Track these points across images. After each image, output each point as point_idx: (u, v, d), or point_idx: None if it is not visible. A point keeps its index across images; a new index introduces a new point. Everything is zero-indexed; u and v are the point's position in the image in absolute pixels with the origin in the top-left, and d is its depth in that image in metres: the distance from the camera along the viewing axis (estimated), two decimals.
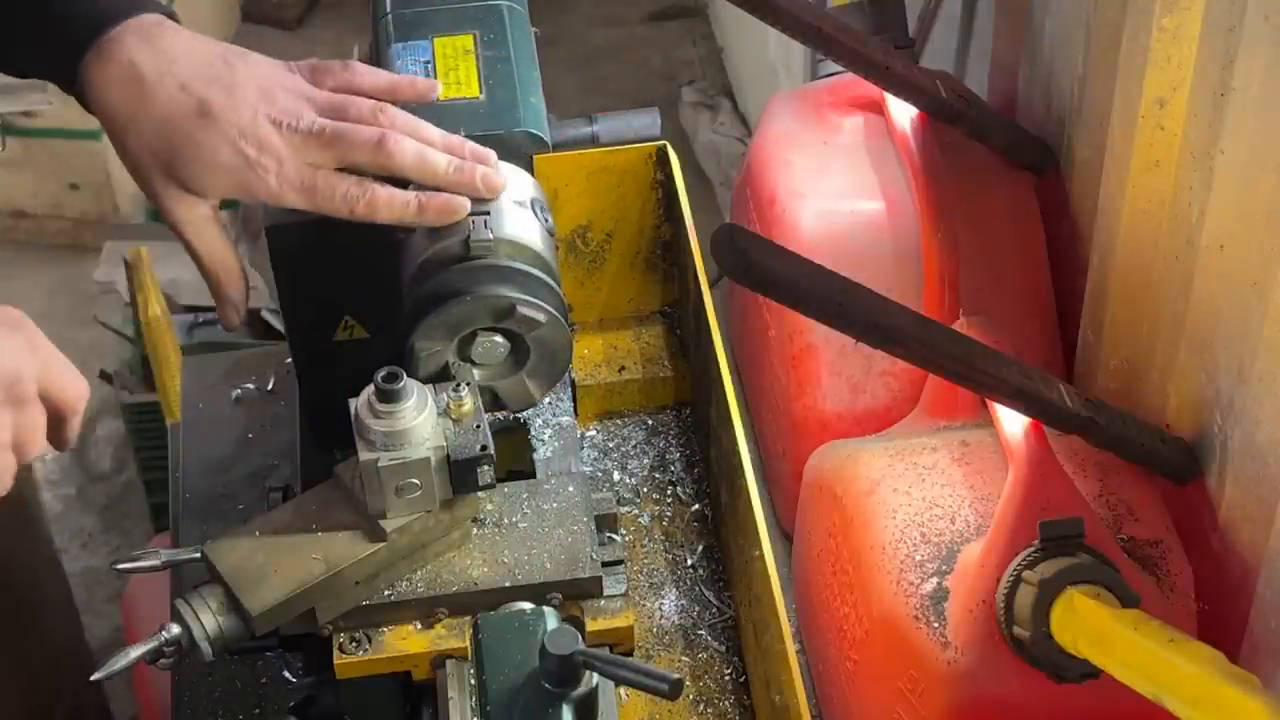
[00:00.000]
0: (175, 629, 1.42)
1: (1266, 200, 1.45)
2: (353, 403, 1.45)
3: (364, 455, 1.43)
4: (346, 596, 1.46)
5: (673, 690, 1.35)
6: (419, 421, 1.43)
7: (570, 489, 1.56)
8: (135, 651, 1.41)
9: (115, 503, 3.70)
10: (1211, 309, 1.60)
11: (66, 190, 4.20)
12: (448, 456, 1.44)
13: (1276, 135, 1.43)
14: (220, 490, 1.99)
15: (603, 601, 1.49)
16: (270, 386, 2.15)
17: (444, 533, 1.49)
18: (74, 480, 3.74)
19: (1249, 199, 1.49)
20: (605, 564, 1.51)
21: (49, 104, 4.01)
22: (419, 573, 1.49)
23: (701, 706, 1.76)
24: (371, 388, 1.43)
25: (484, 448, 1.45)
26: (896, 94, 1.99)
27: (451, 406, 1.47)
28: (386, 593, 1.48)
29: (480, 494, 1.49)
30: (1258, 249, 1.48)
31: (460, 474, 1.45)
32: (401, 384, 1.43)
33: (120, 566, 1.50)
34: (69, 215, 4.24)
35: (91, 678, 1.40)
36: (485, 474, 1.45)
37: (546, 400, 1.80)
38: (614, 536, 1.54)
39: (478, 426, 1.46)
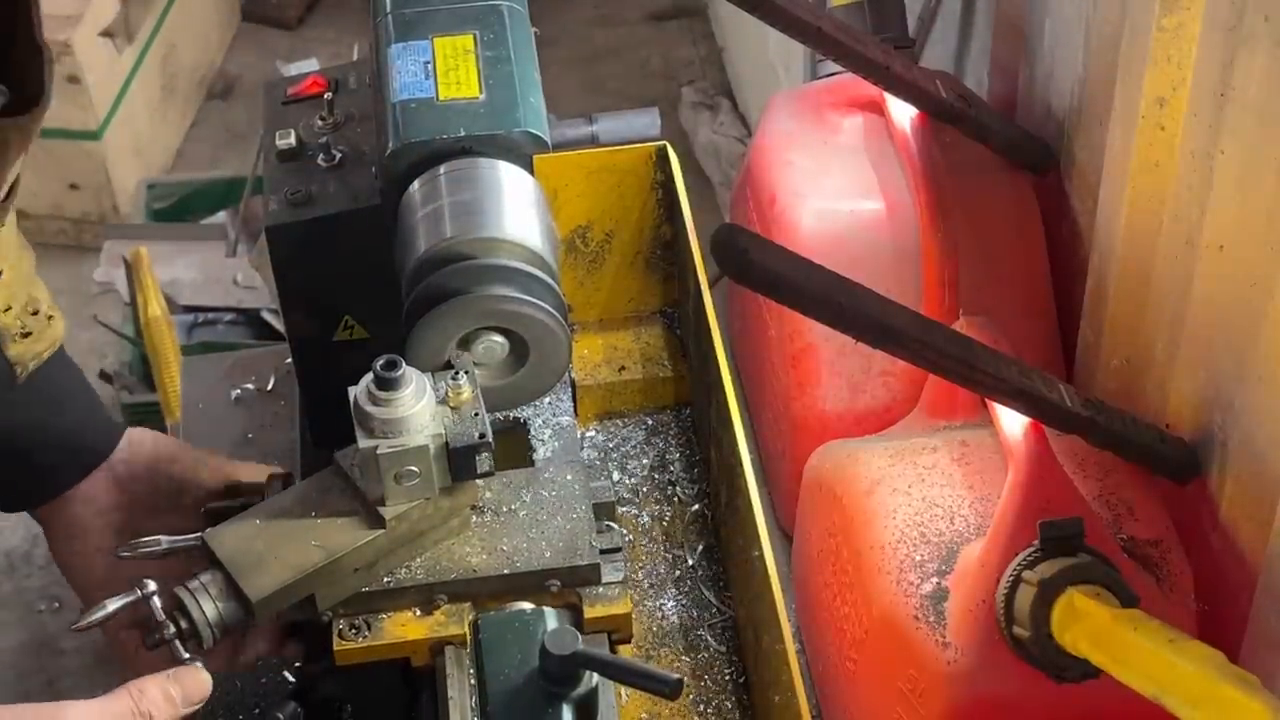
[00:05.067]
0: (151, 585, 1.43)
1: (1266, 200, 1.45)
2: (352, 390, 1.45)
3: (363, 443, 1.44)
4: (346, 583, 1.47)
5: (673, 690, 1.35)
6: (418, 409, 1.43)
7: (569, 477, 1.57)
8: (113, 604, 1.42)
9: None
10: (1211, 309, 1.60)
11: (66, 190, 4.20)
12: (446, 444, 1.44)
13: (1276, 135, 1.43)
14: None
15: (601, 589, 1.49)
16: (270, 386, 2.15)
17: (443, 520, 1.50)
18: None
19: (1249, 199, 1.49)
20: (603, 551, 1.51)
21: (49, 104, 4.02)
22: (418, 560, 1.50)
23: (701, 706, 1.76)
24: (370, 375, 1.44)
25: (482, 435, 1.45)
26: (896, 94, 1.99)
27: (450, 394, 1.47)
28: (386, 579, 1.48)
29: (479, 481, 1.49)
30: (1258, 249, 1.48)
31: (459, 461, 1.45)
32: (400, 372, 1.43)
33: (123, 554, 1.51)
34: (69, 215, 4.24)
35: (72, 627, 1.42)
36: (484, 461, 1.45)
37: (546, 400, 1.80)
38: (612, 524, 1.54)
39: (476, 414, 1.46)
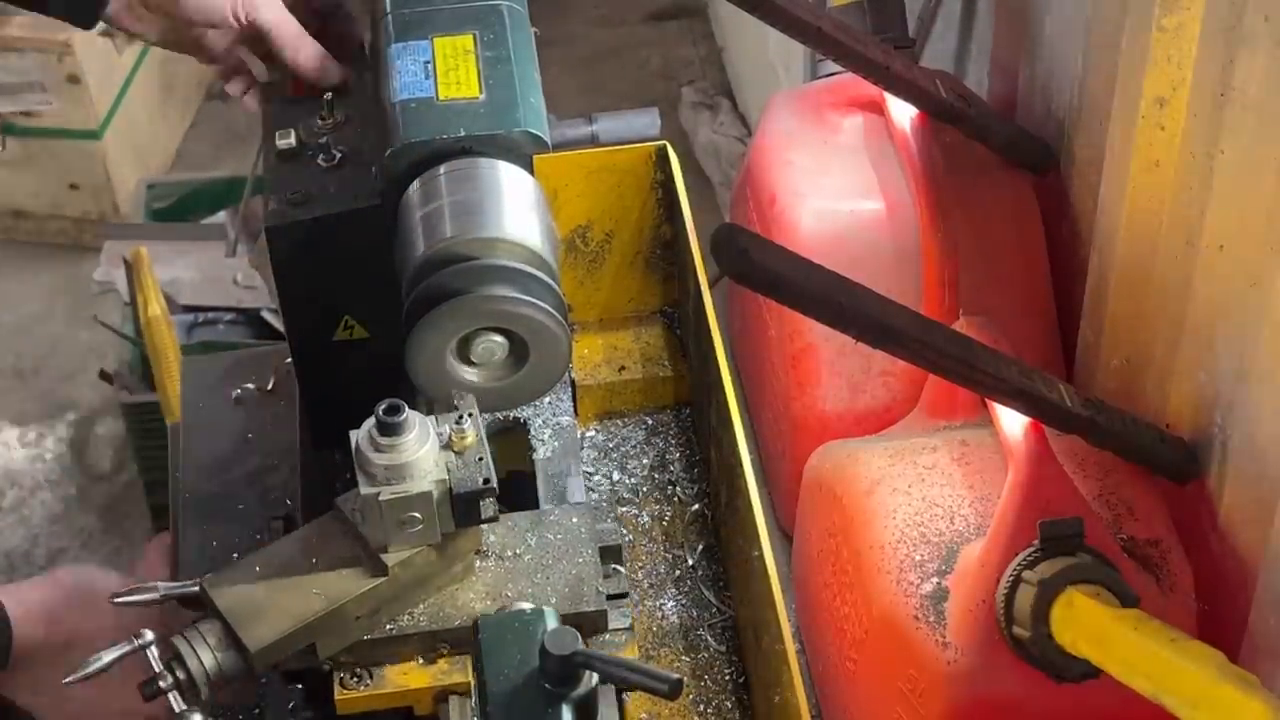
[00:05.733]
0: (148, 635, 1.39)
1: (1266, 200, 1.45)
2: (354, 435, 1.42)
3: (365, 489, 1.40)
4: (347, 631, 1.44)
5: (673, 690, 1.35)
6: (421, 455, 1.41)
7: (574, 520, 1.54)
8: (108, 656, 1.39)
9: (115, 503, 3.70)
10: (1211, 309, 1.60)
11: (66, 190, 4.19)
12: (450, 490, 1.42)
13: (1276, 135, 1.43)
14: (220, 490, 1.99)
15: (607, 635, 1.47)
16: (270, 386, 2.14)
17: (446, 566, 1.47)
18: (74, 480, 3.74)
19: (1249, 199, 1.49)
20: (610, 597, 1.49)
21: (49, 104, 4.01)
22: (421, 607, 1.47)
23: (701, 706, 1.76)
24: (372, 420, 1.41)
25: (487, 481, 1.42)
26: (896, 94, 1.99)
27: (454, 439, 1.44)
28: (389, 627, 1.46)
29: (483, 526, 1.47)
30: (1258, 249, 1.48)
31: (463, 508, 1.42)
32: (403, 416, 1.40)
33: (117, 600, 1.47)
34: (69, 215, 4.24)
35: (64, 681, 1.39)
36: (488, 507, 1.43)
37: (546, 400, 1.80)
38: (618, 568, 1.52)
39: (480, 459, 1.43)
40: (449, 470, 1.43)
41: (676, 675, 1.34)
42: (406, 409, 1.41)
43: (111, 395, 3.58)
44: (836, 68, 2.08)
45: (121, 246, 3.54)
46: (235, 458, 2.04)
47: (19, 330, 4.09)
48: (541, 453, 1.77)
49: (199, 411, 2.12)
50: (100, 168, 4.15)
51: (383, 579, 1.43)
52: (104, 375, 3.51)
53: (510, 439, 1.78)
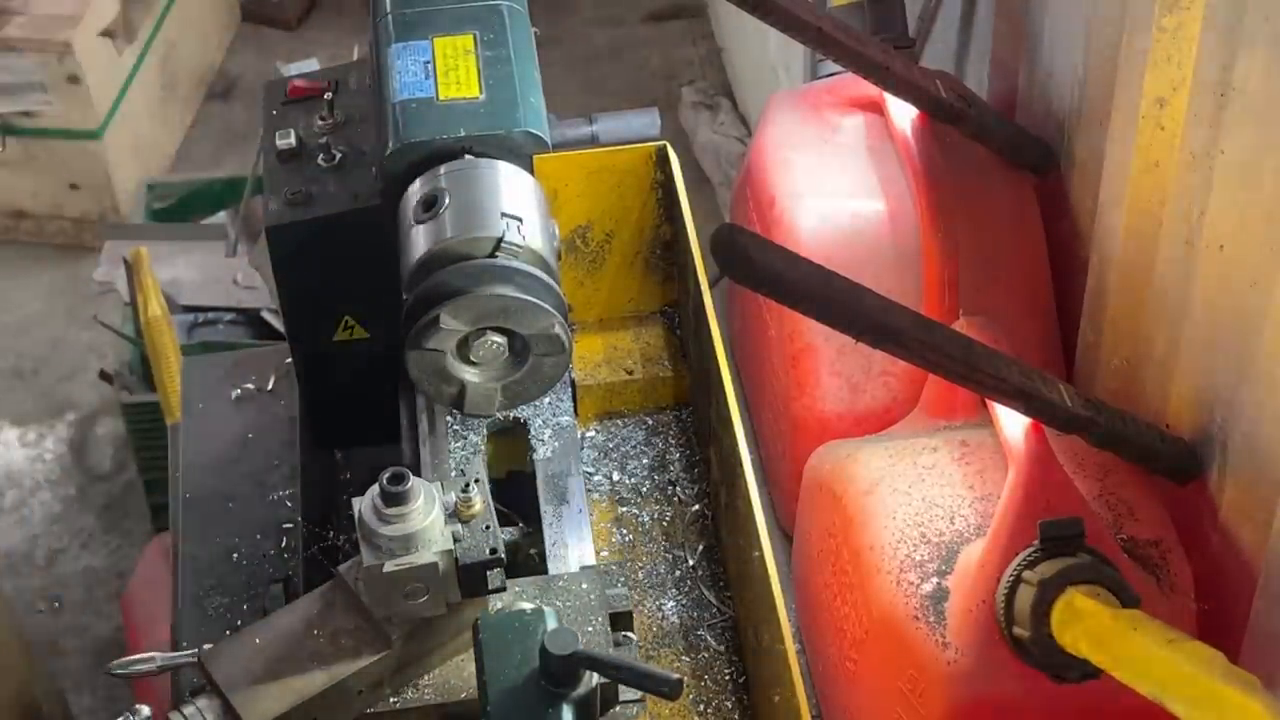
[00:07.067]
0: (145, 710, 1.37)
1: (1266, 200, 1.45)
2: (356, 503, 1.40)
3: (368, 560, 1.38)
4: (350, 706, 1.41)
5: (673, 690, 1.35)
6: (426, 524, 1.39)
7: (584, 585, 1.51)
8: None
9: (115, 503, 3.70)
10: (1211, 309, 1.60)
11: (66, 190, 4.19)
12: (456, 560, 1.40)
13: (1276, 135, 1.43)
14: (220, 490, 1.99)
15: (618, 708, 1.43)
16: (270, 386, 2.15)
17: (452, 637, 1.45)
18: (74, 480, 3.75)
19: (1249, 199, 1.49)
20: None
21: (49, 104, 4.02)
22: (426, 679, 1.45)
23: (701, 706, 1.76)
24: (376, 490, 1.39)
25: (494, 551, 1.40)
26: (896, 94, 1.99)
27: (460, 507, 1.43)
28: (392, 700, 1.44)
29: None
30: (1258, 249, 1.48)
31: (469, 578, 1.40)
32: (408, 485, 1.38)
33: (115, 671, 1.44)
34: (69, 215, 4.24)
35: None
36: (495, 577, 1.41)
37: (546, 400, 1.80)
38: (630, 635, 1.49)
39: (487, 527, 1.42)
40: (456, 539, 1.40)
41: (676, 675, 1.34)
42: (411, 477, 1.38)
43: (111, 395, 3.58)
44: (836, 68, 2.08)
45: (121, 246, 3.54)
46: (235, 458, 2.04)
47: (19, 330, 4.09)
48: (541, 453, 1.77)
49: (199, 411, 2.13)
50: (100, 168, 4.16)
51: (385, 652, 1.41)
52: (104, 375, 3.51)
53: (510, 439, 1.78)
